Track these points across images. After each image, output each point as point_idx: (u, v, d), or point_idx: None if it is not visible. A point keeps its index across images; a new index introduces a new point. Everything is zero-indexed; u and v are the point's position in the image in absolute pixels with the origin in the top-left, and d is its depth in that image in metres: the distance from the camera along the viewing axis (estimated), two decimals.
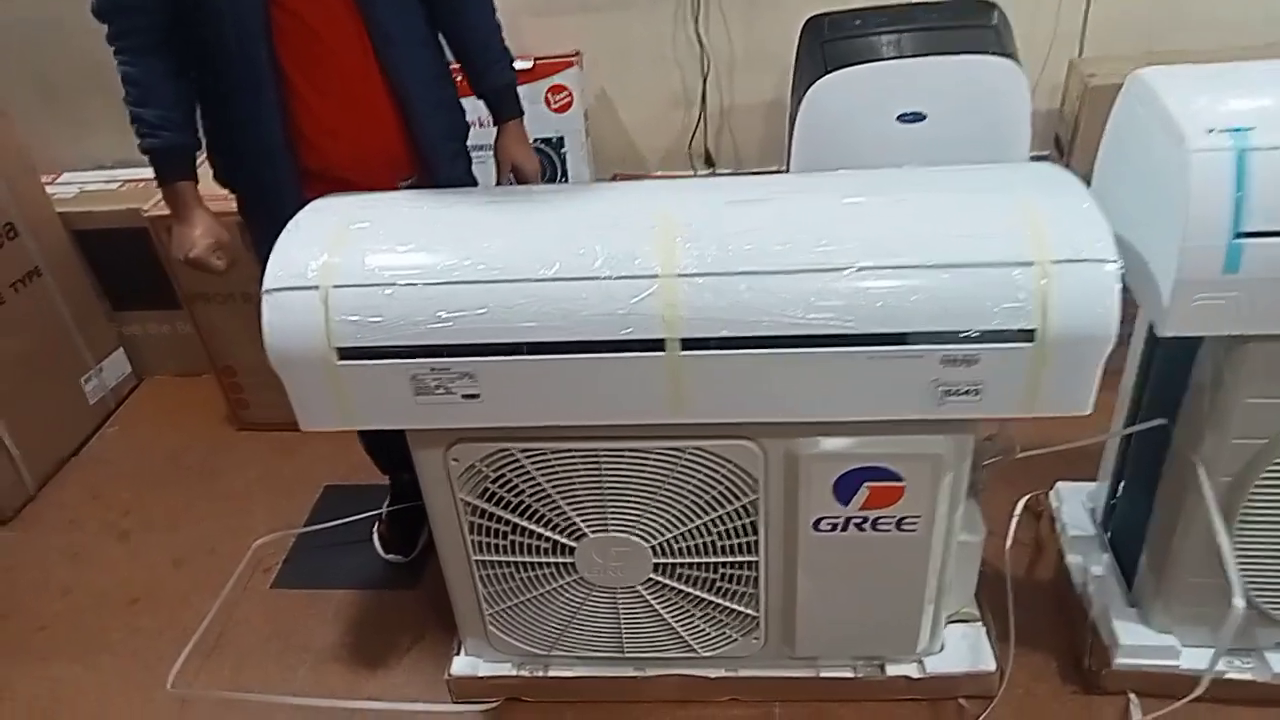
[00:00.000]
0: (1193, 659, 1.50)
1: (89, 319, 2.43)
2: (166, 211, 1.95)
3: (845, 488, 1.32)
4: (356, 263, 1.18)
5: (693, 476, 1.32)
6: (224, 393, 2.32)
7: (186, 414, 2.45)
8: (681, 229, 1.18)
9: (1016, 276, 1.11)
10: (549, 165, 2.33)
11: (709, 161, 2.51)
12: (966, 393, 1.17)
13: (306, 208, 1.30)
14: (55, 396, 2.33)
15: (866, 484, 1.31)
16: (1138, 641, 1.50)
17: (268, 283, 1.18)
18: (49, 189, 2.37)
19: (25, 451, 2.19)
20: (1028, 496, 1.80)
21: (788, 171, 2.03)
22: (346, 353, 1.18)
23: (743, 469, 1.31)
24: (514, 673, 1.59)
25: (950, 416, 1.20)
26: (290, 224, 1.26)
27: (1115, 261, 1.11)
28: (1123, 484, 1.65)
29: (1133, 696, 1.53)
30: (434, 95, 1.51)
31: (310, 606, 1.85)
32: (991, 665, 1.53)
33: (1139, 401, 1.53)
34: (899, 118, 1.82)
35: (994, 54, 1.79)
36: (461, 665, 1.60)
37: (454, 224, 1.24)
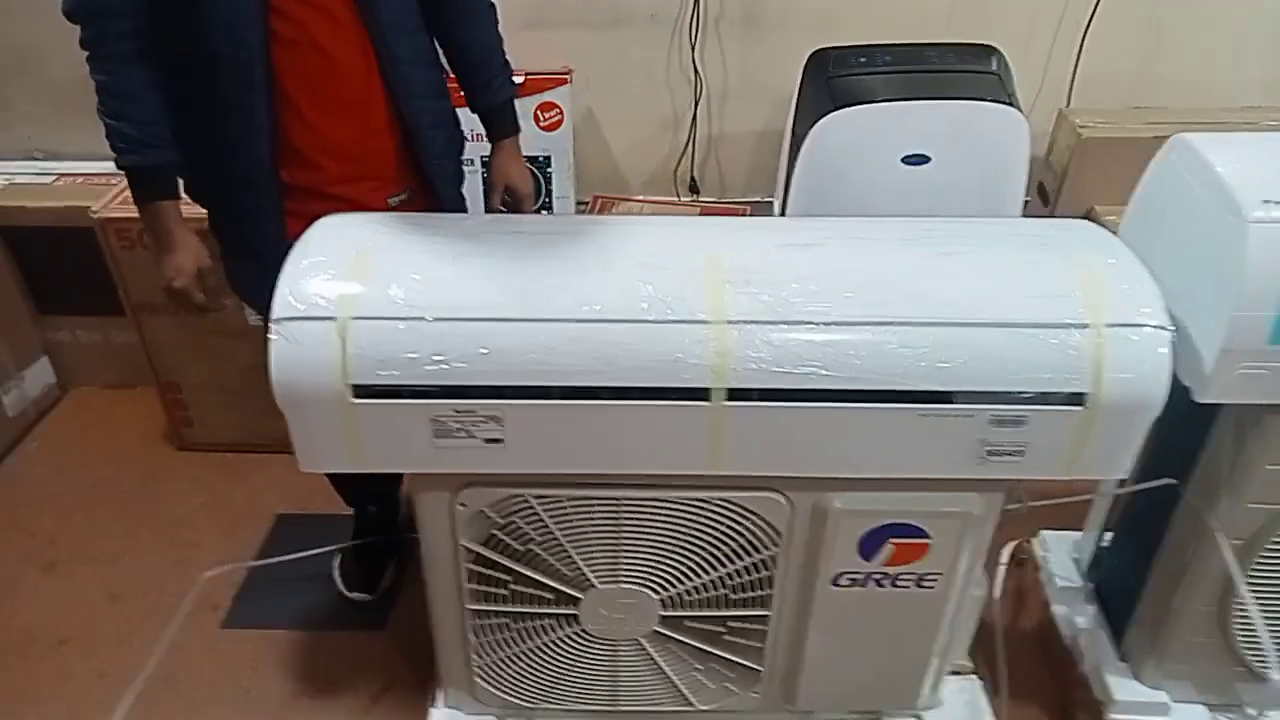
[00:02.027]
0: (1182, 715, 1.51)
1: (12, 323, 2.22)
2: (120, 214, 1.80)
3: (870, 544, 1.28)
4: (379, 293, 1.08)
5: (715, 528, 1.26)
6: (166, 410, 2.15)
7: (118, 430, 2.26)
8: (730, 273, 1.12)
9: (1072, 339, 1.09)
10: (533, 184, 2.25)
11: (693, 188, 2.47)
12: (1010, 453, 1.15)
13: (315, 226, 1.19)
14: None
15: (892, 540, 1.28)
16: (1131, 698, 1.51)
17: (277, 310, 1.07)
18: None
19: None
20: (1013, 544, 1.80)
21: (783, 204, 2.00)
22: (363, 390, 1.07)
23: (768, 522, 1.26)
24: None
25: (991, 477, 1.18)
26: (299, 245, 1.15)
27: (1169, 329, 1.10)
28: (1111, 536, 1.66)
29: None
30: (435, 112, 1.44)
31: (266, 649, 1.71)
32: None
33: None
34: (903, 159, 1.81)
35: (998, 101, 1.81)
36: (441, 718, 1.49)
37: (484, 254, 1.15)
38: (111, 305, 2.06)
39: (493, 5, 1.47)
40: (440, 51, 1.47)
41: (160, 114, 1.29)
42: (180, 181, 1.36)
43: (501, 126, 1.54)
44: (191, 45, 1.24)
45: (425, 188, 1.47)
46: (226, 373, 2.03)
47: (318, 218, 1.28)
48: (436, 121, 1.44)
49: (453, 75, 1.50)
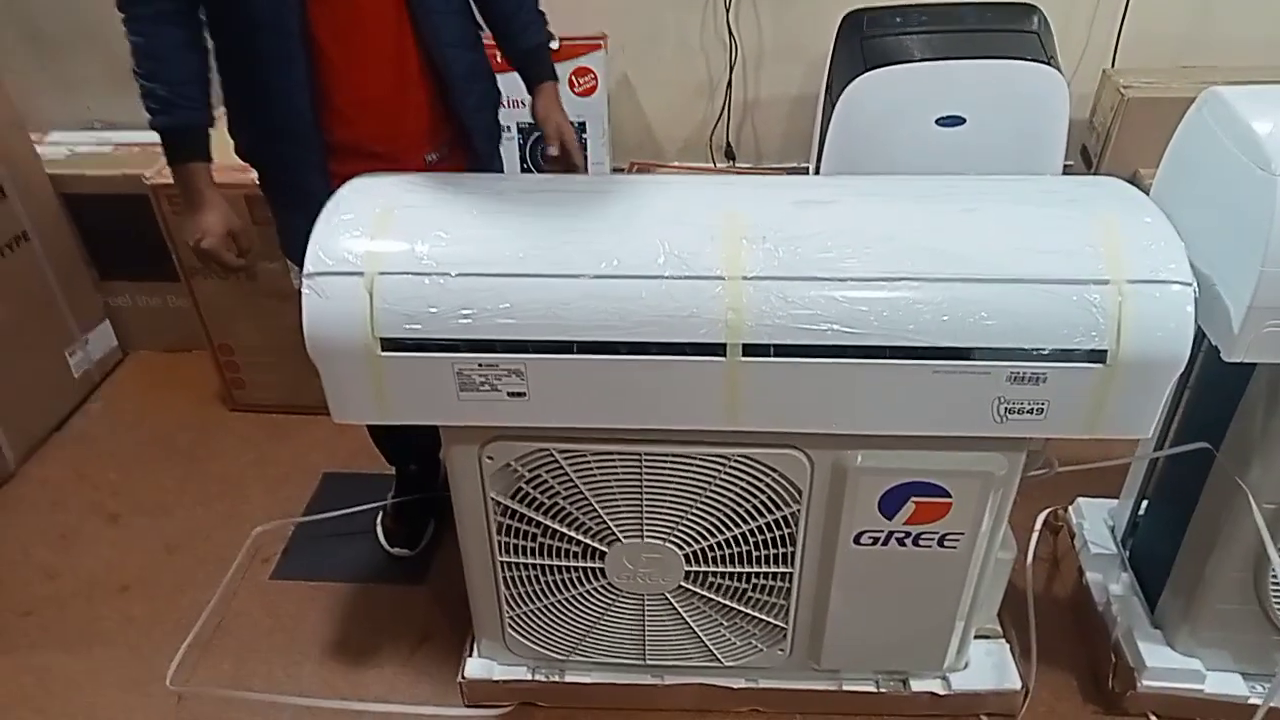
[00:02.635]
0: (1217, 683, 1.49)
1: (76, 288, 2.32)
2: (170, 180, 1.85)
3: (891, 502, 1.28)
4: (405, 249, 1.12)
5: (736, 484, 1.28)
6: (219, 371, 2.23)
7: (175, 392, 2.36)
8: (747, 229, 1.13)
9: (1092, 295, 1.08)
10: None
11: (729, 154, 2.46)
12: (1030, 411, 1.14)
13: (346, 186, 1.23)
14: (38, 369, 2.22)
15: (913, 499, 1.28)
16: (1164, 664, 1.50)
17: (309, 266, 1.12)
18: (37, 149, 2.26)
19: (6, 425, 2.09)
20: (1047, 511, 1.78)
21: (817, 169, 1.99)
22: (390, 344, 1.11)
23: (788, 479, 1.27)
24: (529, 677, 1.54)
25: (1010, 435, 1.18)
26: (330, 203, 1.19)
27: (1190, 284, 1.09)
28: (1147, 503, 1.64)
29: (1153, 719, 1.52)
30: (469, 63, 1.45)
31: (312, 599, 1.78)
32: (1017, 684, 1.51)
33: (1171, 421, 1.51)
34: (938, 120, 1.79)
35: (1037, 60, 1.77)
36: (475, 668, 1.55)
37: (507, 213, 1.18)
38: (168, 271, 2.14)
39: None
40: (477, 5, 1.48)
41: (193, 75, 1.31)
42: (210, 145, 1.37)
43: (539, 70, 1.53)
44: (230, 3, 1.27)
45: (461, 144, 1.49)
46: (276, 335, 2.09)
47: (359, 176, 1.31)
48: (471, 72, 1.44)
49: (487, 25, 1.50)
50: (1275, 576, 1.35)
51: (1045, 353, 1.09)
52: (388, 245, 1.13)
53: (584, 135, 2.29)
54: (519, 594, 1.43)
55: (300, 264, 1.63)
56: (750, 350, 1.10)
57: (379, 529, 1.90)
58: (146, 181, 1.98)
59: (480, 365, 1.13)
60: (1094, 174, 2.12)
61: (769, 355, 1.11)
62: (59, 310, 2.28)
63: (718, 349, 1.10)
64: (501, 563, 1.39)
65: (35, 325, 2.21)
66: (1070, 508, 1.82)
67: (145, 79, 1.29)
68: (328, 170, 1.38)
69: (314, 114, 1.34)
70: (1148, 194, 1.23)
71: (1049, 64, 1.78)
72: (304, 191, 1.38)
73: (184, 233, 1.42)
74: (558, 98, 1.55)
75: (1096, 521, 1.77)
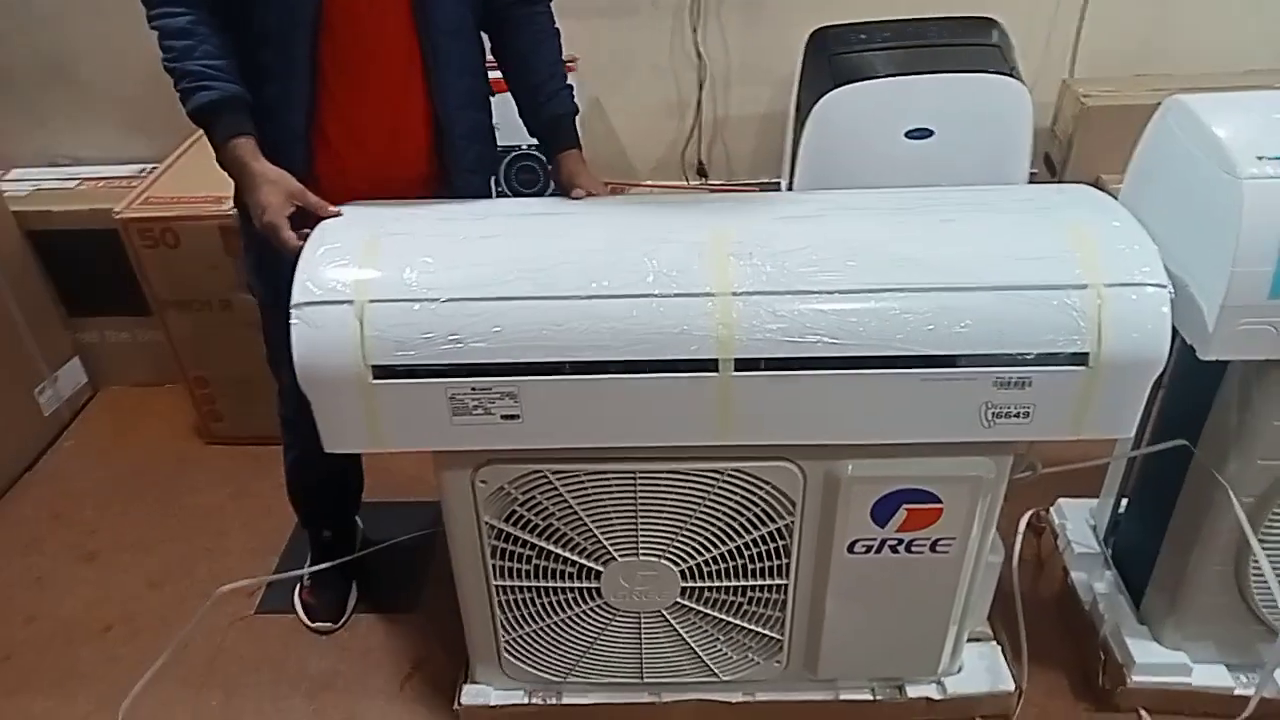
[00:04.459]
0: (1204, 675, 1.52)
1: (44, 326, 2.28)
2: (141, 214, 1.82)
3: (883, 510, 1.30)
4: (394, 276, 1.12)
5: (730, 499, 1.29)
6: (195, 404, 2.20)
7: (149, 427, 2.32)
8: (733, 245, 1.15)
9: (1072, 300, 1.11)
10: (541, 173, 2.27)
11: (701, 172, 2.49)
12: (1016, 415, 1.17)
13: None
14: (7, 408, 2.17)
15: (905, 506, 1.30)
16: (1151, 659, 1.52)
17: (297, 296, 1.11)
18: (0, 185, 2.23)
19: None
20: (1029, 513, 1.81)
21: (789, 184, 2.02)
22: (382, 371, 1.11)
23: (781, 491, 1.28)
24: (526, 701, 1.53)
25: (998, 439, 1.20)
26: (315, 232, 1.19)
27: (1165, 285, 1.12)
28: (1127, 501, 1.67)
29: (1144, 713, 1.54)
30: (472, 123, 1.42)
31: (299, 632, 1.76)
32: (1010, 685, 1.53)
33: (1148, 420, 1.55)
34: (907, 133, 1.82)
35: (999, 72, 1.81)
36: (472, 694, 1.53)
37: (494, 237, 1.18)
38: (138, 305, 2.12)
39: (558, 30, 1.45)
40: (500, 68, 1.45)
41: (221, 51, 1.26)
42: (251, 118, 1.29)
43: (566, 139, 1.47)
44: (244, 10, 1.25)
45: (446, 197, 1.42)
46: (252, 366, 2.06)
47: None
48: (472, 133, 1.42)
49: (510, 91, 1.46)
50: (1257, 568, 1.39)
51: (1029, 357, 1.12)
52: (376, 273, 1.13)
53: None
54: (514, 617, 1.43)
55: (262, 290, 1.59)
56: (741, 365, 1.12)
57: (297, 604, 1.80)
58: (116, 216, 1.95)
59: (473, 389, 1.13)
60: (1059, 180, 2.17)
61: (760, 369, 1.12)
62: (26, 349, 2.23)
63: (709, 364, 1.11)
64: (496, 586, 1.39)
65: (2, 365, 2.16)
66: (1052, 509, 1.85)
67: (178, 60, 1.24)
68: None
69: (307, 134, 1.32)
70: (1115, 199, 1.27)
71: (1011, 75, 1.82)
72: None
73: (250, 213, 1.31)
74: (584, 163, 1.48)
75: (1078, 521, 1.80)
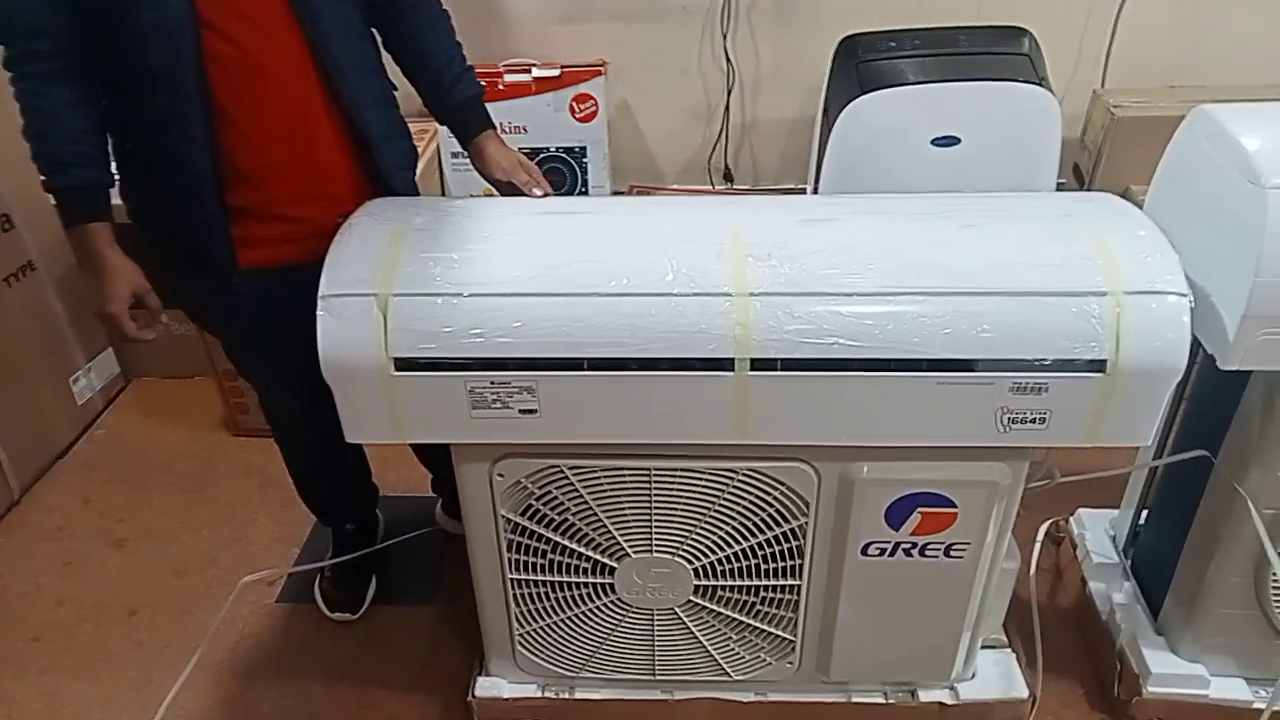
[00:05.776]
0: (1221, 688, 1.51)
1: (81, 316, 2.34)
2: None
3: (897, 513, 1.30)
4: (417, 271, 1.14)
5: (744, 498, 1.30)
6: (223, 397, 2.25)
7: (178, 418, 2.37)
8: (752, 247, 1.16)
9: (1091, 306, 1.11)
10: (569, 175, 2.29)
11: (727, 176, 2.50)
12: (1032, 421, 1.17)
13: (359, 210, 1.25)
14: (43, 396, 2.23)
15: (919, 509, 1.30)
16: (1169, 670, 1.51)
17: (324, 288, 1.14)
18: None
19: (11, 453, 2.10)
20: (1048, 523, 1.80)
21: (814, 190, 2.03)
22: (404, 363, 1.13)
23: (796, 492, 1.29)
24: (539, 694, 1.55)
25: (1014, 444, 1.20)
26: (342, 228, 1.21)
27: (1186, 294, 1.12)
28: (1148, 512, 1.66)
29: None
30: (389, 122, 1.40)
31: (319, 621, 1.78)
32: (1024, 692, 1.52)
33: (1169, 431, 1.54)
34: (933, 141, 1.83)
35: (1029, 81, 1.81)
36: (485, 686, 1.55)
37: (516, 234, 1.21)
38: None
39: (446, 12, 1.41)
40: (397, 61, 1.42)
41: (86, 134, 1.23)
42: (111, 204, 1.29)
43: (479, 121, 1.43)
44: (125, 59, 1.20)
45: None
46: None
47: (267, 241, 1.30)
48: (392, 132, 1.40)
49: (412, 85, 1.44)
50: (1276, 581, 1.38)
51: (1047, 363, 1.12)
52: (400, 267, 1.15)
53: (585, 160, 2.33)
54: (529, 611, 1.44)
55: (203, 323, 1.63)
56: (758, 365, 1.13)
57: (317, 594, 1.83)
58: None
59: (492, 383, 1.15)
60: (1086, 191, 2.16)
61: (776, 369, 1.13)
62: (64, 338, 2.29)
63: (726, 364, 1.13)
64: (511, 580, 1.41)
65: (41, 353, 2.22)
66: (1071, 519, 1.84)
67: (37, 139, 1.23)
68: (230, 234, 1.31)
69: (214, 177, 1.26)
70: (1140, 209, 1.26)
71: (1040, 85, 1.82)
72: (205, 255, 1.33)
73: (93, 299, 1.32)
74: (504, 143, 1.45)
75: (1098, 532, 1.79)
